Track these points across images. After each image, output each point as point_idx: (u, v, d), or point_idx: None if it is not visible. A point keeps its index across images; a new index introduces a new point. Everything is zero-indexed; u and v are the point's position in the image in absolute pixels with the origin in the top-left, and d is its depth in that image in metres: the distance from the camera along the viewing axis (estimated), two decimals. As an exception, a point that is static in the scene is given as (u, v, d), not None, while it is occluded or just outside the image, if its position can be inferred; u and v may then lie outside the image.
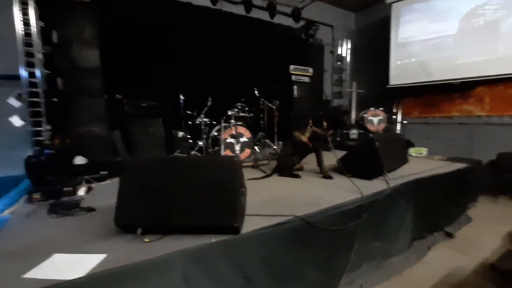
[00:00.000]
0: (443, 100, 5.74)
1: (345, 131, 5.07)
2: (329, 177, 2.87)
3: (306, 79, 5.06)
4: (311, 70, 5.06)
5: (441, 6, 5.27)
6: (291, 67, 4.86)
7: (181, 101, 3.97)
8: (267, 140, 4.47)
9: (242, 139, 3.86)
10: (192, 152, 3.92)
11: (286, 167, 3.03)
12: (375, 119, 6.05)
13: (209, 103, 3.98)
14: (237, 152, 3.85)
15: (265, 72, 4.92)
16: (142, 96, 3.81)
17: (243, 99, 4.12)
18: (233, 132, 3.76)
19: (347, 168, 2.87)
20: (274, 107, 4.43)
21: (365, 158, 2.82)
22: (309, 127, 2.94)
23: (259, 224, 1.74)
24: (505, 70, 4.78)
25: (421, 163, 3.67)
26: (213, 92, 4.04)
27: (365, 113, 6.03)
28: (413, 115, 6.24)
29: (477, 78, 5.08)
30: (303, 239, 1.93)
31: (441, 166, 3.50)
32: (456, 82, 5.29)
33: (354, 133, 5.21)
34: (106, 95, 3.35)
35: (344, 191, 2.43)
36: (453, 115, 5.65)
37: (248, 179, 2.85)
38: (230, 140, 3.79)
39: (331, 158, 3.10)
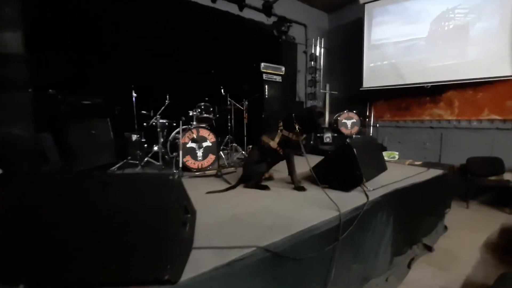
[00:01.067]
0: (414, 104, 5.70)
1: (319, 135, 4.80)
2: (302, 189, 2.49)
3: (278, 79, 4.71)
4: (283, 69, 4.72)
5: (413, 8, 5.21)
6: (262, 65, 4.48)
7: (134, 98, 3.40)
8: (234, 144, 4.03)
9: (205, 144, 3.38)
10: (145, 159, 3.37)
11: (253, 177, 2.61)
12: (348, 122, 5.88)
13: (167, 102, 3.45)
14: (199, 158, 3.36)
15: (234, 69, 4.49)
16: (82, 91, 3.19)
17: (207, 98, 3.65)
18: (194, 136, 3.27)
19: (322, 177, 2.52)
20: (242, 107, 4.00)
21: (342, 167, 2.48)
22: (279, 130, 2.55)
23: (210, 261, 1.29)
24: (474, 74, 4.79)
25: (396, 169, 3.44)
26: (173, 89, 3.52)
27: (338, 116, 5.83)
28: (385, 118, 6.16)
29: (447, 82, 5.06)
30: (269, 274, 1.52)
31: (419, 173, 3.29)
32: (427, 86, 5.25)
33: (328, 136, 4.95)
34: (32, 89, 2.69)
35: (318, 207, 2.06)
36: (424, 119, 5.62)
37: (208, 193, 2.40)
38: (190, 144, 3.30)
39: (305, 165, 2.74)
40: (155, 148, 3.42)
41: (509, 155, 4.57)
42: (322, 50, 5.67)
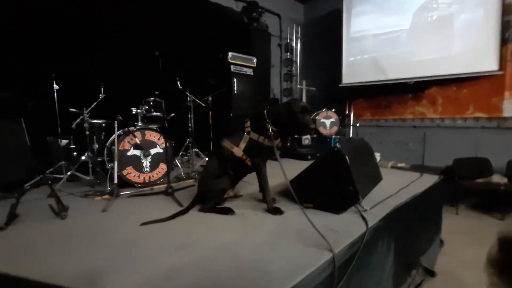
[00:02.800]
0: (396, 102, 5.32)
1: (304, 138, 4.20)
2: (278, 212, 1.84)
3: (249, 71, 4.05)
4: (254, 60, 4.08)
5: (394, -3, 4.81)
6: (230, 54, 3.80)
7: (55, 91, 2.54)
8: (196, 150, 3.30)
9: (154, 150, 2.62)
10: (69, 173, 2.53)
11: (211, 198, 1.92)
12: (327, 121, 5.38)
13: (101, 96, 2.64)
14: (146, 169, 2.59)
15: (195, 59, 3.76)
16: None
17: (157, 92, 2.88)
18: (137, 141, 2.49)
19: (304, 194, 1.89)
20: (204, 104, 3.29)
21: (330, 180, 1.87)
22: (245, 133, 1.88)
23: None
24: (458, 69, 4.47)
25: (387, 176, 2.92)
26: (111, 80, 2.71)
27: (316, 115, 5.31)
28: (365, 117, 5.74)
29: (431, 78, 4.71)
30: None
31: (413, 181, 2.79)
32: (409, 82, 4.87)
33: (307, 138, 4.38)
34: None
35: (302, 244, 1.43)
36: (406, 118, 5.25)
37: (142, 224, 1.66)
38: (133, 152, 2.52)
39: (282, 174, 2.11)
40: (83, 157, 2.59)
41: (495, 155, 4.28)
42: (299, 42, 5.09)
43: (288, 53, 4.89)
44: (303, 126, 1.82)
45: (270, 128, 1.82)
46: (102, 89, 2.63)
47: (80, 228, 1.68)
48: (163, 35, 3.33)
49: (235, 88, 3.87)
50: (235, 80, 3.89)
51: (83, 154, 2.66)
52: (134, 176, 2.53)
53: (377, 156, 4.54)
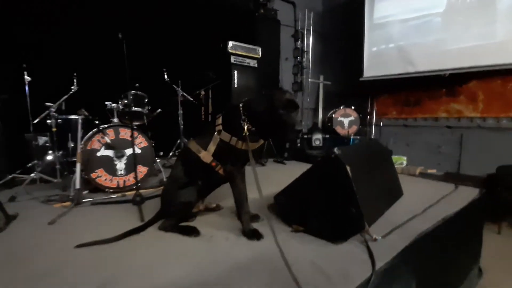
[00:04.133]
0: (427, 97, 4.60)
1: (315, 138, 3.71)
2: (254, 236, 1.41)
3: (253, 63, 3.62)
4: (259, 50, 3.64)
5: (427, -25, 4.11)
6: (230, 43, 3.39)
7: (26, 83, 2.30)
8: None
9: (130, 151, 2.28)
10: (32, 175, 2.26)
11: (173, 213, 1.52)
12: (345, 120, 4.81)
13: (73, 88, 2.35)
14: (120, 172, 2.26)
15: (192, 50, 3.40)
16: None
17: (137, 85, 2.54)
18: (107, 140, 2.17)
19: (293, 212, 1.45)
20: (191, 99, 2.91)
21: (326, 197, 1.40)
22: (215, 133, 1.45)
23: None
24: (504, 59, 3.69)
25: (408, 183, 2.36)
26: (87, 70, 2.41)
27: (333, 113, 4.76)
28: (390, 116, 5.06)
29: (470, 70, 3.96)
30: None
31: (446, 194, 2.22)
32: (444, 74, 4.15)
33: (317, 138, 3.87)
34: None
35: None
36: (439, 116, 4.52)
37: (77, 247, 1.30)
38: (104, 152, 2.20)
39: (282, 173, 1.69)
40: (49, 157, 2.32)
41: (552, 163, 3.48)
42: (312, 32, 4.54)
43: (298, 42, 4.37)
44: (285, 127, 1.36)
45: (245, 127, 1.38)
46: (75, 80, 2.34)
47: (2, 249, 1.36)
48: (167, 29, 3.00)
49: (236, 81, 3.46)
50: (235, 72, 3.48)
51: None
52: (105, 179, 2.21)
53: (403, 160, 3.94)
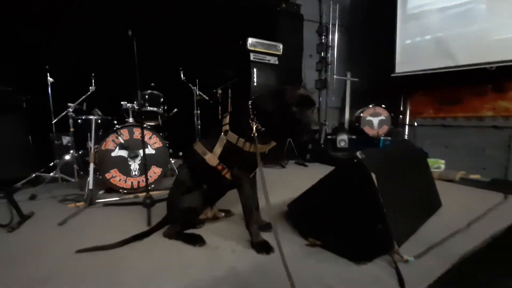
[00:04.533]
0: (469, 94, 4.11)
1: (340, 139, 3.46)
2: (263, 249, 1.26)
3: (273, 60, 3.45)
4: (280, 46, 3.46)
5: (470, -44, 3.66)
6: (250, 40, 3.25)
7: (49, 85, 2.35)
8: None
9: (145, 151, 2.24)
10: (51, 174, 2.30)
11: (176, 219, 1.42)
12: (375, 119, 4.47)
13: (91, 89, 2.36)
14: (134, 173, 2.23)
15: (210, 47, 3.32)
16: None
17: (153, 84, 2.50)
18: (121, 140, 2.14)
19: (309, 223, 1.29)
20: (207, 98, 2.82)
21: (347, 209, 1.21)
22: (222, 133, 1.32)
23: None
24: None
25: (446, 190, 2.05)
26: (104, 70, 2.41)
27: (361, 112, 4.44)
28: (426, 115, 4.61)
29: (523, 62, 3.45)
30: None
31: (494, 206, 1.89)
32: (490, 68, 3.66)
33: (343, 139, 3.61)
34: None
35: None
36: (484, 115, 4.02)
37: (78, 252, 1.25)
38: (118, 153, 2.18)
39: (304, 174, 1.53)
40: (67, 157, 2.35)
41: None
42: (337, 26, 4.25)
43: (322, 37, 4.10)
44: (299, 127, 1.19)
45: (254, 127, 1.23)
46: (93, 81, 2.35)
47: (6, 251, 1.34)
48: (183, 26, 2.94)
49: (255, 79, 3.32)
50: (254, 70, 3.34)
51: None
52: (119, 180, 2.19)
53: (441, 163, 3.58)
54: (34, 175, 2.38)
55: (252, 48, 3.29)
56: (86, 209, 1.89)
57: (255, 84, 3.32)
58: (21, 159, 2.46)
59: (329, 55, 4.14)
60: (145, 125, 2.28)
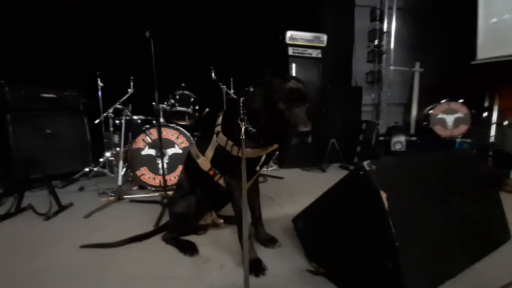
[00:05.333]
0: None
1: (395, 140, 2.97)
2: (254, 271, 1.09)
3: (316, 53, 3.14)
4: (324, 38, 3.13)
5: None
6: (289, 34, 3.03)
7: (99, 88, 2.61)
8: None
9: (172, 151, 2.29)
10: (95, 168, 2.54)
11: (173, 224, 1.36)
12: (449, 117, 3.71)
13: (129, 91, 2.53)
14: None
15: (245, 44, 3.23)
16: (35, 81, 2.60)
17: (183, 84, 2.53)
18: (149, 139, 2.22)
19: (314, 244, 1.08)
20: (235, 97, 2.71)
21: (354, 232, 0.94)
22: (214, 135, 1.20)
23: None
24: None
25: None
26: (142, 71, 2.55)
27: (431, 109, 3.73)
28: (523, 112, 3.61)
29: None
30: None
31: None
32: None
33: (399, 141, 3.07)
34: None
35: None
36: None
37: (82, 247, 1.31)
38: (147, 151, 2.27)
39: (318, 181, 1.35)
40: (107, 153, 2.56)
41: None
42: (395, 9, 3.61)
43: (376, 23, 3.53)
44: (287, 126, 0.97)
45: (242, 128, 1.07)
46: (131, 83, 2.52)
47: (28, 237, 1.49)
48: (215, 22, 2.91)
49: (293, 75, 3.08)
50: (293, 65, 3.09)
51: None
52: (149, 178, 2.28)
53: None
54: (87, 169, 2.69)
55: (291, 42, 3.06)
56: (115, 203, 2.02)
57: (293, 80, 3.09)
58: (79, 155, 2.81)
59: (383, 43, 3.57)
60: (173, 125, 2.33)
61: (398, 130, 3.15)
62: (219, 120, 1.20)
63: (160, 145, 1.89)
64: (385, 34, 3.53)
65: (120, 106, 2.63)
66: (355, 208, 0.92)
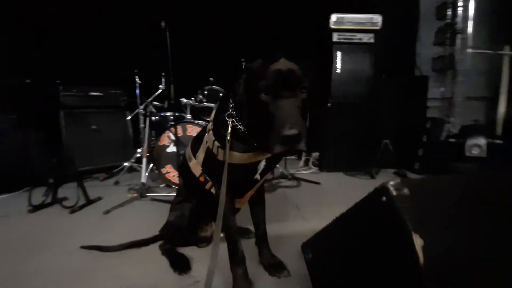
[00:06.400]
0: None
1: (471, 142, 2.34)
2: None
3: (367, 38, 2.65)
4: (378, 19, 2.62)
5: None
6: (334, 17, 2.62)
7: (137, 86, 2.67)
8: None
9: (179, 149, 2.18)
10: (127, 164, 2.58)
11: (166, 236, 1.20)
12: (554, 115, 2.83)
13: (161, 88, 2.50)
14: (187, 170, 2.20)
15: (284, 33, 2.93)
16: (82, 81, 2.78)
17: (211, 79, 2.38)
18: (172, 136, 2.14)
19: (327, 277, 0.79)
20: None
21: (372, 275, 0.62)
22: (206, 134, 0.99)
23: None
24: None
25: None
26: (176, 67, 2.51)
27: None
28: None
29: None
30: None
31: None
32: None
33: (477, 144, 2.39)
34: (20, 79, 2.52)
35: None
36: None
37: (82, 247, 1.27)
38: (173, 148, 2.20)
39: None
40: (138, 150, 2.57)
41: None
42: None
43: None
44: (272, 124, 0.70)
45: (229, 126, 0.83)
46: (163, 80, 2.49)
47: (46, 232, 1.52)
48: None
49: (338, 65, 2.66)
50: (338, 54, 2.65)
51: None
52: (173, 176, 2.21)
53: None
54: (125, 164, 2.78)
55: (337, 27, 2.65)
56: (137, 201, 1.99)
57: (338, 71, 2.68)
58: (120, 150, 2.94)
59: (458, 19, 2.83)
60: (198, 122, 2.22)
61: (476, 131, 2.46)
62: (212, 115, 0.98)
63: (177, 141, 1.78)
64: (461, 8, 2.78)
65: (157, 103, 2.66)
66: (376, 248, 0.60)
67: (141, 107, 2.48)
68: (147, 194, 2.04)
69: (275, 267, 1.06)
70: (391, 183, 0.55)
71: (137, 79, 2.68)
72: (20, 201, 1.95)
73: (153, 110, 2.36)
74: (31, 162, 2.47)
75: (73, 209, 1.81)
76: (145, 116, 2.45)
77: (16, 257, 1.25)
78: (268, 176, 1.16)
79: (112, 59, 2.93)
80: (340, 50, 2.68)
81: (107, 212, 1.78)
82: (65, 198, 1.97)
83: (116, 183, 2.49)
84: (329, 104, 2.70)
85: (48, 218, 1.73)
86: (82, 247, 1.29)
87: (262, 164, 0.93)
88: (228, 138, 0.82)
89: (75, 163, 2.47)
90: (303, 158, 3.03)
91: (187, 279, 1.06)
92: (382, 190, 0.56)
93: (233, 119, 0.84)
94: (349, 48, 2.69)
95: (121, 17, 3.01)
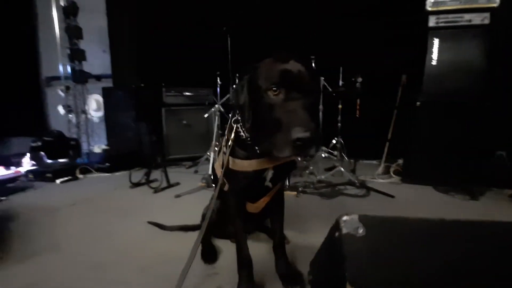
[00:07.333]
0: None
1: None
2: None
3: (478, 19, 2.01)
4: (498, -7, 1.95)
5: None
6: (431, -2, 2.12)
7: (218, 87, 2.97)
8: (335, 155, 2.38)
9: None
10: (205, 156, 2.88)
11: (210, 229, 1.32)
12: None
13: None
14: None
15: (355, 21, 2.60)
16: (177, 82, 3.32)
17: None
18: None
19: None
20: (330, 89, 2.21)
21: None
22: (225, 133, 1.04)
23: None
24: None
25: None
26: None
27: None
28: None
29: None
30: None
31: None
32: None
33: None
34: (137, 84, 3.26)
35: None
36: None
37: (149, 223, 1.59)
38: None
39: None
40: (216, 148, 2.83)
41: None
42: None
43: None
44: (277, 131, 0.69)
45: (233, 131, 0.86)
46: (218, 79, 2.74)
47: (133, 205, 1.94)
48: None
49: (434, 55, 2.12)
50: (435, 41, 2.10)
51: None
52: (238, 170, 2.37)
53: None
54: (208, 153, 3.16)
55: (435, 8, 2.16)
56: (204, 190, 2.26)
57: (433, 62, 2.19)
58: (205, 142, 3.35)
59: None
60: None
61: None
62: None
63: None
64: None
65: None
66: (335, 278, 0.51)
67: (216, 105, 2.75)
68: (213, 185, 2.28)
69: (292, 278, 1.02)
70: (344, 218, 0.46)
71: (218, 80, 3.00)
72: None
73: (221, 109, 2.59)
74: (142, 148, 3.17)
75: (156, 190, 2.22)
76: (214, 114, 2.74)
77: (112, 219, 1.69)
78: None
79: (201, 63, 3.35)
80: (437, 37, 2.18)
81: (178, 196, 2.10)
82: (155, 180, 2.44)
83: (196, 172, 2.88)
84: (418, 103, 2.25)
85: (138, 194, 2.20)
86: (149, 222, 1.60)
87: (269, 172, 0.91)
88: (229, 143, 0.84)
89: (164, 152, 3.01)
90: (383, 164, 2.66)
91: (210, 269, 1.16)
92: (336, 224, 0.47)
93: (240, 125, 0.86)
94: (451, 33, 2.15)
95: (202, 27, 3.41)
